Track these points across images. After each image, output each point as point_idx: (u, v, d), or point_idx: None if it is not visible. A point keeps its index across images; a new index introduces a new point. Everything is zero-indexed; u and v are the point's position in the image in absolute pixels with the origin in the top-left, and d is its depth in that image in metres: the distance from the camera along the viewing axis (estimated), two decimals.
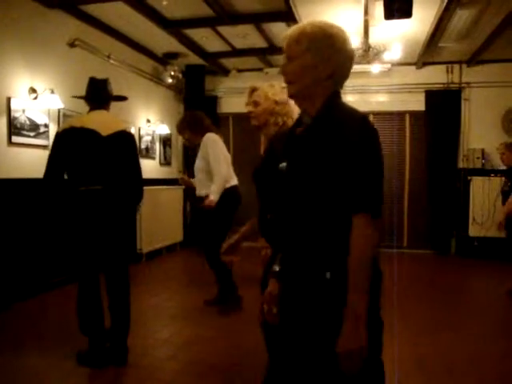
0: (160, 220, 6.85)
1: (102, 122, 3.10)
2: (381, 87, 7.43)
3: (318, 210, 1.39)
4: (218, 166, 4.19)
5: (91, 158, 3.03)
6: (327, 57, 1.43)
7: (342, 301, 1.31)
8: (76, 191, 3.01)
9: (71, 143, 3.03)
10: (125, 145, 3.15)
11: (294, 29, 1.50)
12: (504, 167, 5.46)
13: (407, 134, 7.64)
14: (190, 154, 4.68)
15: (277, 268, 1.65)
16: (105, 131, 3.03)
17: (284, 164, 1.52)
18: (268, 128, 2.54)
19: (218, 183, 4.17)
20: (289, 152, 1.52)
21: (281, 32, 5.93)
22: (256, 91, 2.54)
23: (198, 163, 4.36)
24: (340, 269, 1.33)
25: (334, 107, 1.44)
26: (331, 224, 1.38)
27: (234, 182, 4.36)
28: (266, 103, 2.48)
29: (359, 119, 1.40)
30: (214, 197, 4.12)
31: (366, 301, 1.31)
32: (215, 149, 4.24)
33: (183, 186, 5.61)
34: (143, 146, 7.00)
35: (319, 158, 1.39)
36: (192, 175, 4.68)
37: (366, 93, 7.47)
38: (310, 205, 1.41)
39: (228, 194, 4.23)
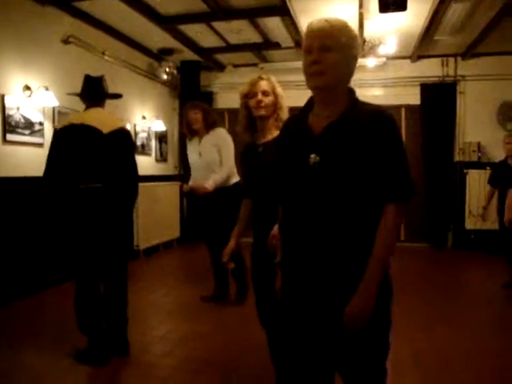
0: (157, 216, 6.85)
1: (102, 120, 3.10)
2: (376, 81, 7.43)
3: (353, 200, 1.47)
4: (231, 159, 4.27)
5: (92, 155, 3.03)
6: (354, 56, 1.54)
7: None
8: (76, 189, 3.00)
9: (71, 140, 3.03)
10: (123, 142, 3.16)
11: (334, 20, 1.51)
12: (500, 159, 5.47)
13: (403, 128, 7.62)
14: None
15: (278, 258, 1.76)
16: (105, 129, 3.04)
17: (314, 157, 1.50)
18: (270, 120, 2.56)
19: (223, 174, 4.21)
20: (320, 146, 1.51)
21: (276, 27, 5.94)
22: (263, 81, 2.55)
23: (212, 156, 4.28)
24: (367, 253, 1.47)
25: (359, 103, 1.55)
26: (362, 213, 1.48)
27: (237, 178, 4.36)
28: (274, 95, 2.53)
29: (389, 114, 1.54)
30: (211, 185, 4.14)
31: (383, 272, 1.48)
32: (230, 143, 4.31)
33: (179, 183, 5.58)
34: (139, 143, 6.98)
35: (356, 151, 1.46)
36: (187, 170, 4.67)
37: (361, 87, 7.41)
38: (345, 196, 1.47)
39: (235, 189, 4.21)
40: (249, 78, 2.58)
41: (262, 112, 2.51)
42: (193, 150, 4.48)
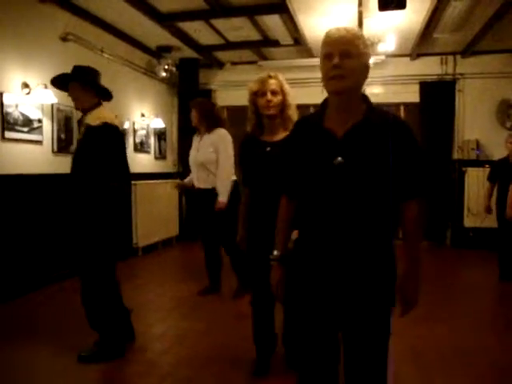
0: (155, 214, 6.85)
1: (115, 118, 3.15)
2: (375, 79, 7.41)
3: (375, 198, 1.59)
4: (229, 160, 4.30)
5: (124, 153, 3.09)
6: (368, 64, 1.66)
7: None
8: (108, 187, 2.95)
9: (119, 140, 3.08)
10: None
11: (352, 29, 1.61)
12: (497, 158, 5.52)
13: None
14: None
15: (278, 253, 1.84)
16: (120, 126, 3.07)
17: (340, 159, 1.56)
18: (277, 119, 2.56)
19: (225, 184, 4.25)
20: (344, 148, 1.58)
21: (275, 24, 5.92)
22: (272, 79, 2.55)
23: (207, 156, 4.32)
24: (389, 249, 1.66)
25: (375, 106, 1.67)
26: (382, 210, 1.60)
27: (234, 176, 4.38)
28: (282, 93, 2.53)
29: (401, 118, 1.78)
30: (223, 198, 4.21)
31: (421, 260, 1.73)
32: (229, 144, 4.32)
33: (178, 180, 5.60)
34: (138, 140, 6.98)
35: (379, 152, 1.57)
36: (187, 167, 4.70)
37: None
38: (368, 195, 1.58)
39: (235, 187, 4.29)
40: (247, 76, 2.59)
41: (272, 111, 2.53)
42: (193, 147, 4.55)
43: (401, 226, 1.68)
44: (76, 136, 3.34)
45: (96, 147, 2.94)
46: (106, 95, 3.20)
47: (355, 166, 1.57)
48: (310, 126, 1.71)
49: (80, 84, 3.09)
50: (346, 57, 1.55)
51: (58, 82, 3.23)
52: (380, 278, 1.62)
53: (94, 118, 3.01)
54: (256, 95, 2.56)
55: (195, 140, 4.56)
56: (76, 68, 3.17)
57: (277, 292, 1.87)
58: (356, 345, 1.64)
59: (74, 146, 3.36)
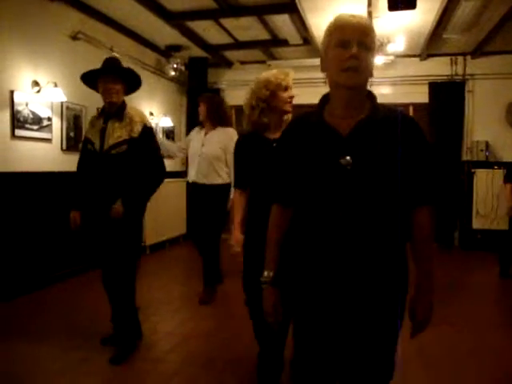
0: (163, 213, 6.86)
1: None
2: (384, 79, 7.39)
3: (385, 201, 1.46)
4: None
5: None
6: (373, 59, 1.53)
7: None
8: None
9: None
10: None
11: (366, 19, 1.51)
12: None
13: None
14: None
15: (270, 273, 1.63)
16: None
17: (347, 159, 1.43)
18: (284, 116, 2.49)
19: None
20: (351, 146, 1.45)
21: (284, 24, 5.91)
22: (288, 76, 2.47)
23: (216, 153, 4.32)
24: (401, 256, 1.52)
25: (381, 103, 1.54)
26: (392, 214, 1.47)
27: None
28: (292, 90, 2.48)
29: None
30: None
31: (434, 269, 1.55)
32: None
33: (187, 179, 5.60)
34: None
35: (388, 150, 1.44)
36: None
37: (370, 84, 7.40)
38: (378, 197, 1.45)
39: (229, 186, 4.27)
40: (256, 75, 2.53)
41: (289, 107, 2.44)
42: (196, 140, 4.50)
43: (410, 235, 1.52)
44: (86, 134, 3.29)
45: (154, 147, 3.11)
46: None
47: (364, 166, 1.43)
48: (308, 124, 1.55)
49: (122, 78, 3.08)
50: (363, 48, 1.42)
51: (93, 76, 3.09)
52: (392, 293, 1.50)
53: (141, 116, 3.11)
54: (278, 88, 2.40)
55: (198, 133, 4.53)
56: (115, 60, 3.17)
57: (273, 318, 1.66)
58: (361, 361, 1.54)
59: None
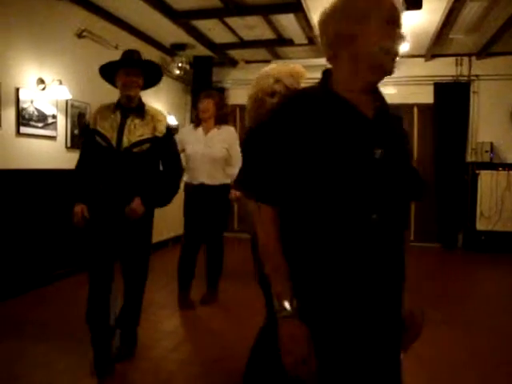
0: (165, 212, 6.78)
1: None
2: (389, 79, 7.11)
3: (407, 202, 1.37)
4: (239, 162, 4.12)
5: None
6: None
7: None
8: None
9: None
10: None
11: None
12: None
13: (415, 127, 7.59)
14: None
15: (293, 305, 1.18)
16: None
17: (380, 151, 1.20)
18: None
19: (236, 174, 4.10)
20: (379, 133, 1.24)
21: (289, 23, 5.91)
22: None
23: (221, 153, 4.19)
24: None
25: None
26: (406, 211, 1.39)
27: None
28: None
29: None
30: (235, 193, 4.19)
31: None
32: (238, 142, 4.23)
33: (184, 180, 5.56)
34: None
35: (404, 144, 1.36)
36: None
37: None
38: (403, 198, 1.30)
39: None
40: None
41: None
42: (195, 140, 4.25)
43: None
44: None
45: (176, 148, 3.17)
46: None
47: (393, 158, 1.23)
48: (317, 101, 1.23)
49: (142, 72, 3.00)
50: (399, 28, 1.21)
51: (112, 69, 2.95)
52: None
53: (164, 115, 3.13)
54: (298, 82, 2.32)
55: (193, 133, 4.30)
56: (136, 52, 3.03)
57: (306, 370, 1.16)
58: None
59: None
